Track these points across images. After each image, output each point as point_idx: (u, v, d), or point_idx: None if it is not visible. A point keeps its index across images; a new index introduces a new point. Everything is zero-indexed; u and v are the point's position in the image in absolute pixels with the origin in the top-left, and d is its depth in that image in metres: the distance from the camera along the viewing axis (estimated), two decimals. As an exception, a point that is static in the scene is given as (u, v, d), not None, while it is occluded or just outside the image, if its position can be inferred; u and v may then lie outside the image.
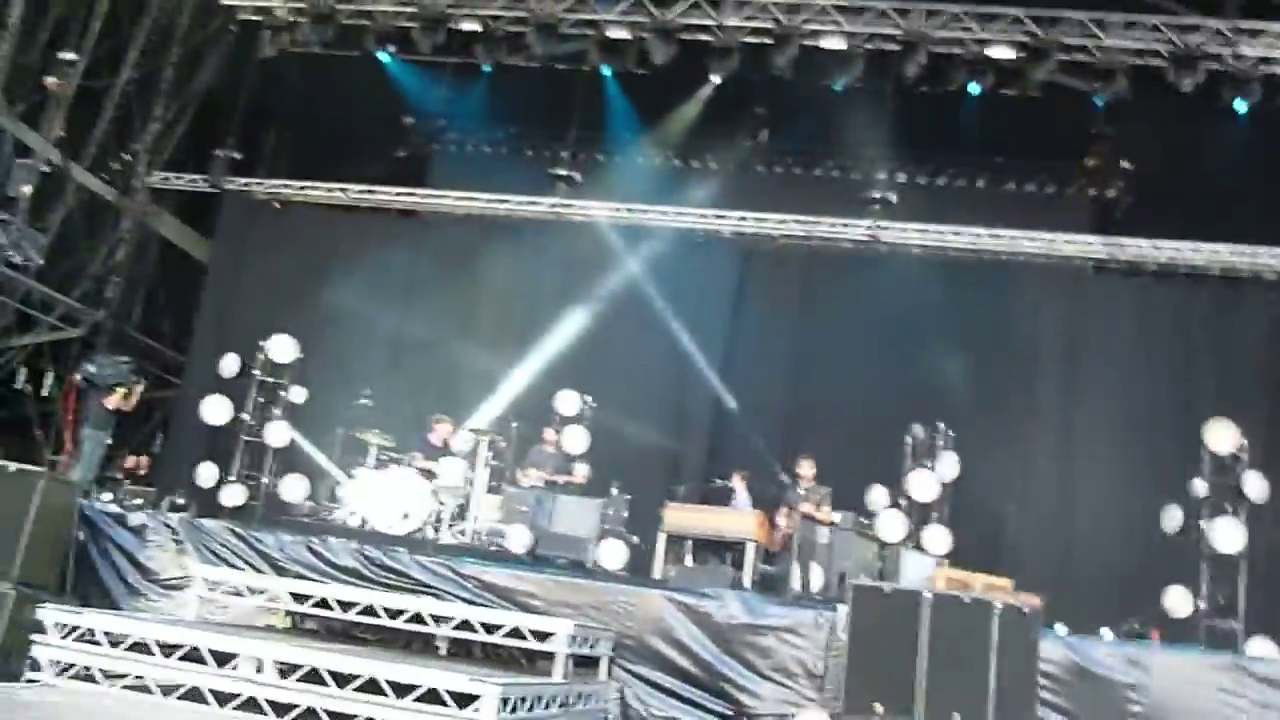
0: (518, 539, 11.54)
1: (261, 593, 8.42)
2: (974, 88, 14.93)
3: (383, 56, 16.49)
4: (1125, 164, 16.32)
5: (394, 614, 7.75)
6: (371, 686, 6.29)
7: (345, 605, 7.91)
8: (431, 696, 6.22)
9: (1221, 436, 11.55)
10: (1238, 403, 14.01)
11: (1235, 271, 15.62)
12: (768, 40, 15.17)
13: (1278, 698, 7.89)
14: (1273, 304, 15.59)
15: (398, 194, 17.54)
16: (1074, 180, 16.59)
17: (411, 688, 6.20)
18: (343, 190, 17.57)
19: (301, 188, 17.75)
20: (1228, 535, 11.16)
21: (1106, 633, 10.76)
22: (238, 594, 8.51)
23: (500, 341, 15.74)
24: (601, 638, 8.21)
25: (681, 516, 11.99)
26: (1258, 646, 10.56)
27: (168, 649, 6.74)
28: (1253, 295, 15.60)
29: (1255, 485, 11.34)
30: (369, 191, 17.58)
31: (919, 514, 12.29)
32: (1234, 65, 14.56)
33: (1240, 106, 14.73)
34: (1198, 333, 15.44)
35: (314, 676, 6.39)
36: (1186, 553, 11.52)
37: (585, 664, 8.30)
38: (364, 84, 16.83)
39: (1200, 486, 11.46)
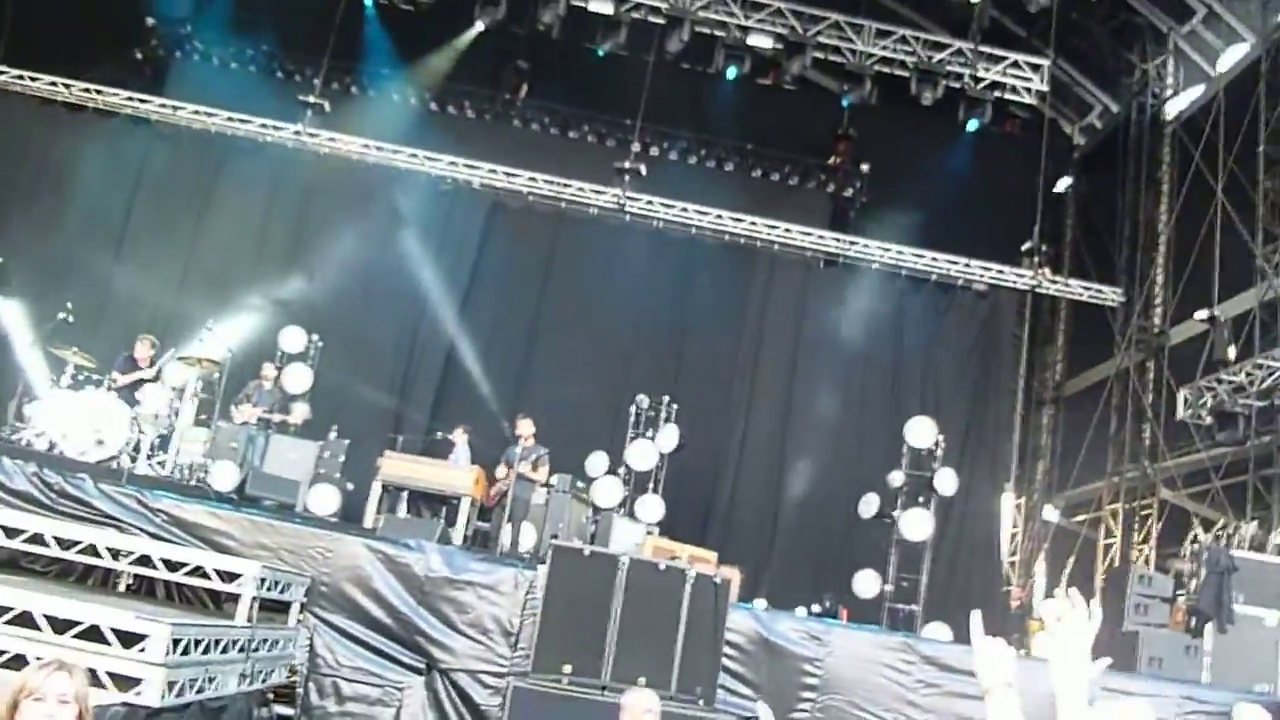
0: (224, 476, 11.00)
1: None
2: (732, 71, 15.23)
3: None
4: (864, 166, 17.07)
5: (67, 545, 7.14)
6: (28, 622, 5.79)
7: (10, 533, 7.22)
8: (96, 635, 5.79)
9: (921, 432, 12.28)
10: (940, 402, 15.01)
11: (950, 279, 16.57)
12: (535, -8, 14.99)
13: (941, 677, 8.44)
14: (980, 313, 16.66)
15: (131, 98, 16.17)
16: (815, 175, 17.24)
17: (72, 624, 5.74)
18: (67, 86, 16.14)
19: (20, 75, 16.18)
20: (917, 525, 11.87)
21: (801, 610, 11.23)
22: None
23: (226, 268, 14.95)
24: (294, 582, 7.89)
25: (399, 467, 11.76)
26: (933, 630, 11.28)
27: None
28: (963, 302, 16.61)
29: (946, 480, 12.12)
30: (99, 91, 16.18)
31: (636, 482, 12.47)
32: (971, 86, 15.44)
33: (971, 125, 15.65)
34: (911, 332, 16.35)
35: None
36: (880, 539, 12.20)
37: (276, 609, 7.98)
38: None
39: (897, 478, 12.14)
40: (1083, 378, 19.23)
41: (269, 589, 7.36)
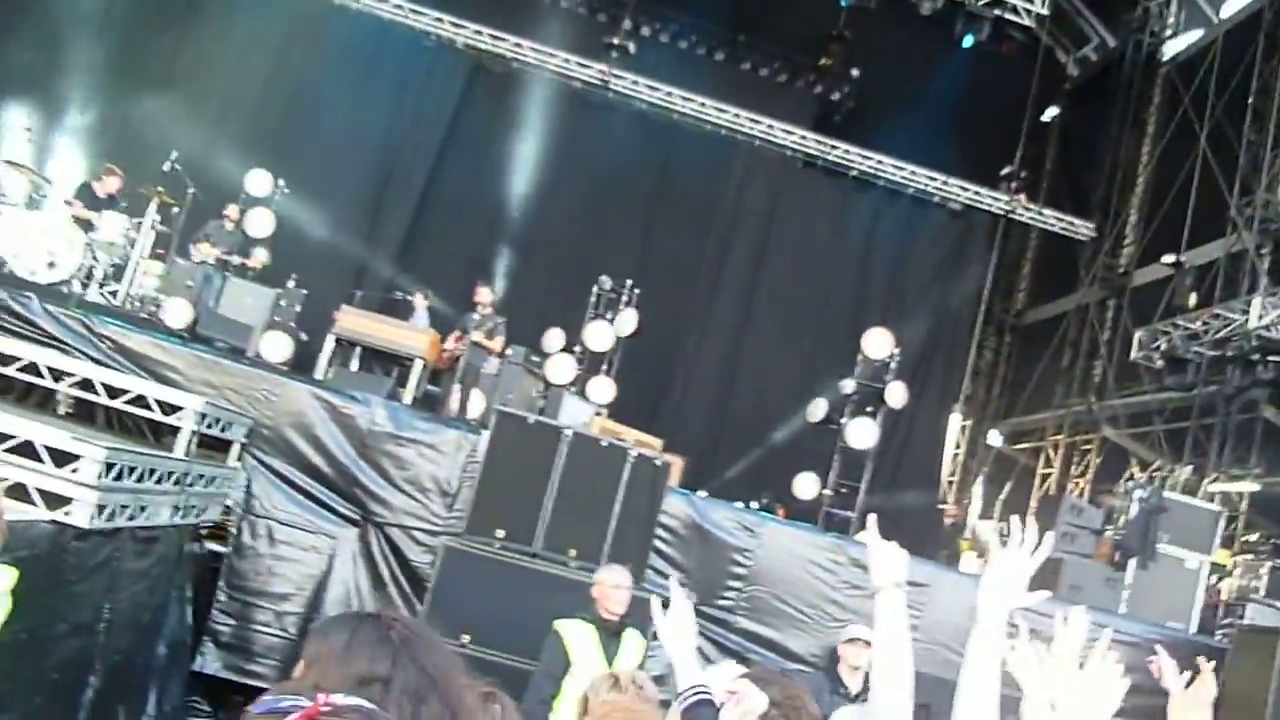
0: (177, 313, 10.84)
1: None
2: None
3: None
4: (854, 70, 16.85)
5: (6, 361, 7.06)
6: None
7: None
8: (30, 453, 5.75)
9: (877, 343, 12.31)
10: (901, 316, 15.05)
11: (926, 195, 16.53)
12: None
13: (867, 580, 8.59)
14: (950, 234, 16.68)
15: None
16: (804, 75, 17.00)
17: (5, 437, 5.70)
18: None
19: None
20: (862, 433, 11.97)
21: (739, 505, 11.35)
22: None
23: (199, 103, 14.57)
24: (236, 422, 7.87)
25: (355, 322, 11.65)
26: (865, 536, 11.45)
27: None
28: (936, 220, 16.61)
29: (896, 393, 12.21)
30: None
31: (590, 362, 12.46)
32: (971, 1, 15.20)
33: (968, 41, 15.44)
34: (881, 244, 16.35)
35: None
36: (824, 444, 12.31)
37: (215, 447, 7.97)
38: None
39: (848, 385, 12.20)
40: (1043, 308, 19.36)
41: (210, 425, 7.34)
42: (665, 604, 2.99)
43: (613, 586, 5.67)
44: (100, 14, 15.15)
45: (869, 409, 12.06)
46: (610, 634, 5.61)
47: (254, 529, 7.97)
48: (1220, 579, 12.20)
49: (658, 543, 8.07)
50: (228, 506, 7.98)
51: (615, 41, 15.26)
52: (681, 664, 2.81)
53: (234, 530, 7.96)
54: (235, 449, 7.99)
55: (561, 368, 11.87)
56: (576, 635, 5.53)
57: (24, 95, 13.51)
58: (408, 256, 14.98)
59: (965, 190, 16.45)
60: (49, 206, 11.16)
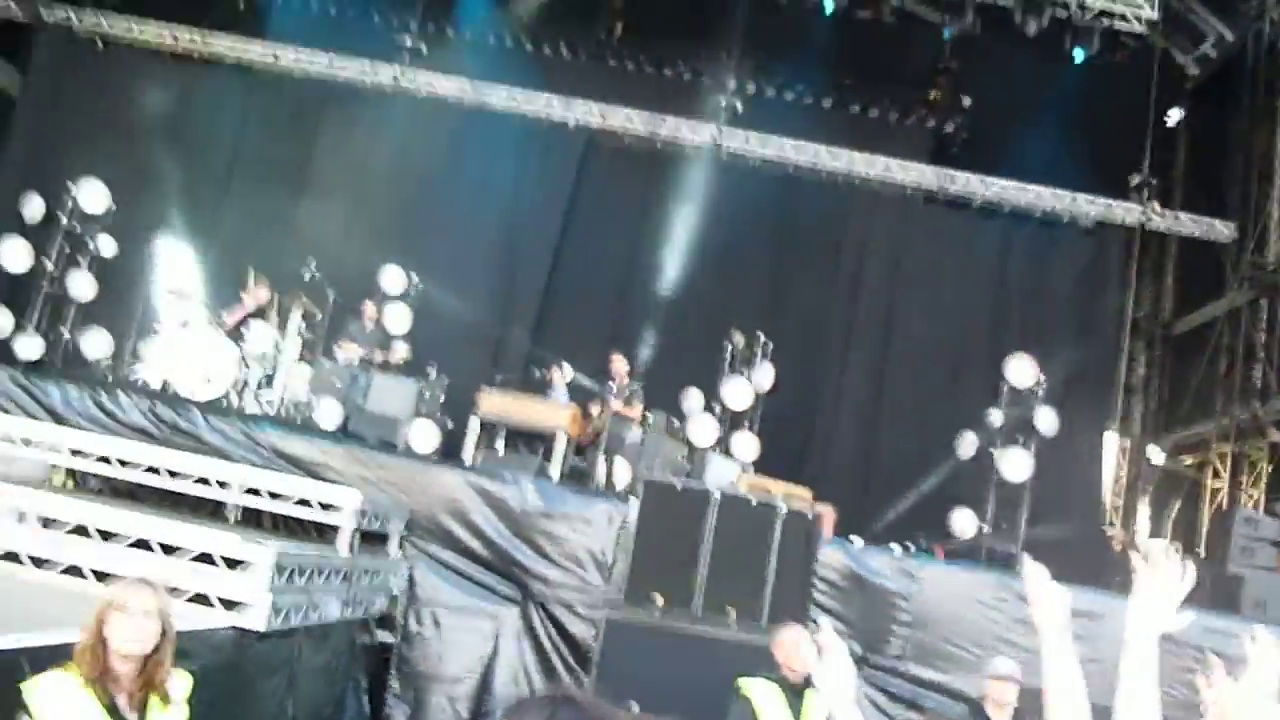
0: (328, 413, 11.28)
1: (32, 444, 7.96)
2: (829, 5, 14.96)
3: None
4: (966, 99, 16.67)
5: (176, 474, 7.45)
6: (143, 548, 6.07)
7: (125, 463, 7.54)
8: (206, 560, 6.04)
9: (1021, 371, 12.07)
10: (1043, 340, 14.67)
11: (1055, 216, 16.18)
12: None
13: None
14: (1086, 251, 16.27)
15: (234, 43, 16.53)
16: (915, 110, 16.87)
17: (183, 549, 6.00)
18: (174, 35, 16.53)
19: (128, 27, 16.60)
20: (1016, 465, 11.69)
21: (896, 548, 11.18)
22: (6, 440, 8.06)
23: (327, 209, 15.21)
24: (394, 514, 8.13)
25: (497, 403, 11.90)
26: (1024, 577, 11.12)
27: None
28: (1069, 238, 16.23)
29: (1047, 419, 11.91)
30: (202, 39, 16.55)
31: (731, 420, 12.47)
32: (1077, 14, 14.95)
33: (1078, 55, 15.17)
34: (1014, 270, 16.02)
35: (83, 534, 6.14)
36: (978, 478, 12.05)
37: (376, 540, 8.23)
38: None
39: (996, 416, 11.96)
40: (1192, 316, 18.65)
41: (370, 520, 7.59)
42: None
43: (793, 644, 5.66)
44: (234, 131, 16.02)
45: (1020, 439, 11.79)
46: (794, 692, 5.59)
47: (420, 616, 8.20)
48: None
49: (817, 595, 8.02)
50: (393, 596, 8.22)
51: (723, 102, 15.43)
52: (842, 712, 2.77)
53: (401, 619, 8.19)
54: (395, 540, 8.24)
55: (703, 429, 11.91)
56: (762, 694, 5.53)
57: (173, 223, 14.28)
58: (541, 333, 15.26)
59: (1095, 204, 16.05)
60: (201, 325, 11.75)
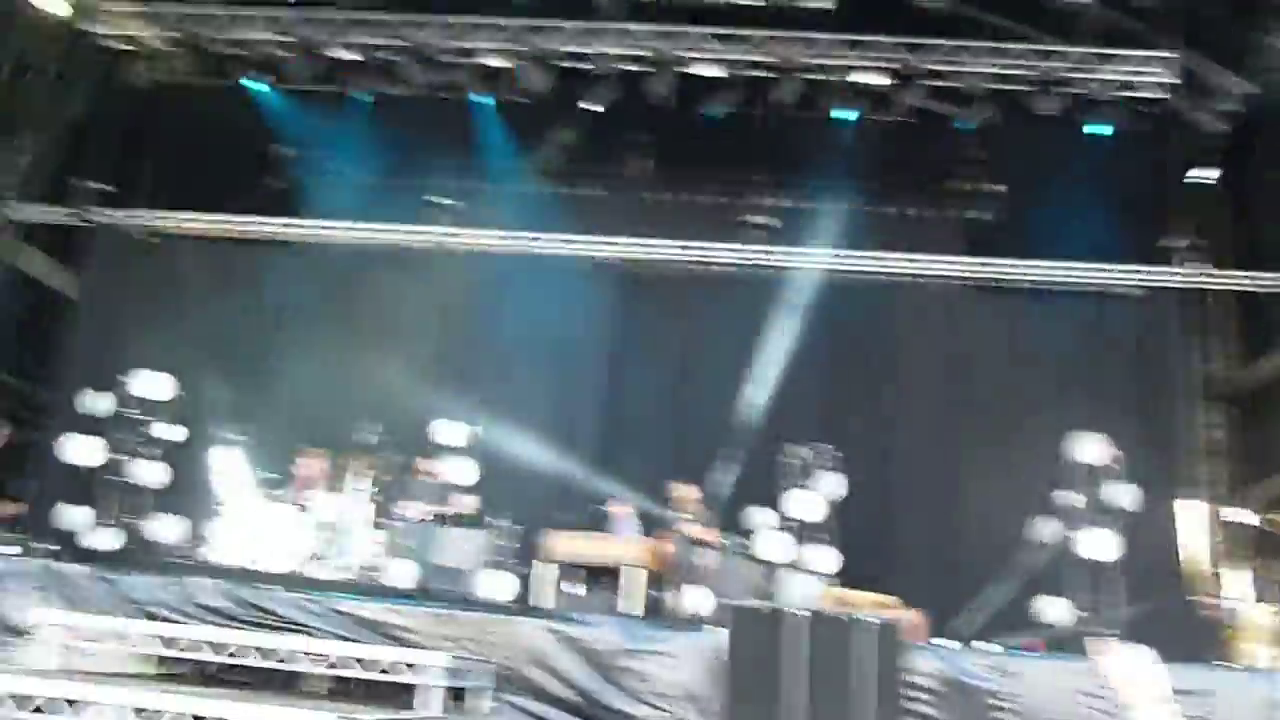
0: (402, 573, 11.31)
1: (123, 637, 8.05)
2: (847, 114, 15.23)
3: (256, 86, 16.24)
4: (995, 186, 16.78)
5: (263, 654, 7.47)
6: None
7: (211, 646, 7.59)
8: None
9: (1092, 450, 11.89)
10: (1109, 414, 14.45)
11: (1103, 288, 16.11)
12: (646, 68, 15.30)
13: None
14: (1138, 321, 16.15)
15: (282, 225, 17.04)
16: (946, 202, 17.00)
17: (276, 730, 5.98)
18: (225, 222, 17.05)
19: (179, 221, 17.16)
20: (1099, 544, 11.44)
21: (992, 646, 10.89)
22: (96, 640, 8.13)
23: (378, 371, 15.42)
24: (481, 670, 8.06)
25: (568, 544, 11.85)
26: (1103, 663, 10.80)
27: (21, 700, 6.41)
28: (1123, 310, 16.13)
29: (1123, 494, 11.67)
30: (251, 223, 17.07)
31: (805, 534, 12.33)
32: (1094, 90, 15.10)
33: (1101, 129, 15.28)
34: (1072, 348, 15.91)
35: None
36: (1063, 563, 11.78)
37: (465, 697, 8.14)
38: (237, 114, 16.60)
39: (1072, 497, 11.75)
40: (1260, 368, 18.34)
41: (457, 678, 7.53)
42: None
43: None
44: (276, 308, 16.43)
45: (1098, 518, 11.57)
46: None
47: (516, 772, 8.04)
48: None
49: (917, 705, 7.79)
50: (488, 756, 8.09)
51: (756, 220, 15.66)
52: None
53: (498, 781, 8.04)
54: (485, 696, 8.14)
55: (778, 546, 11.80)
56: None
57: (230, 402, 14.56)
58: (603, 469, 15.22)
59: (1141, 273, 15.97)
60: (264, 501, 11.89)
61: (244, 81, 16.45)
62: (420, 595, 10.55)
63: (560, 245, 16.35)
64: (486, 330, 15.82)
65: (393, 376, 15.30)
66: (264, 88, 16.60)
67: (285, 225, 17.03)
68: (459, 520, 12.41)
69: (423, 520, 12.16)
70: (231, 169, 17.18)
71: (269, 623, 8.62)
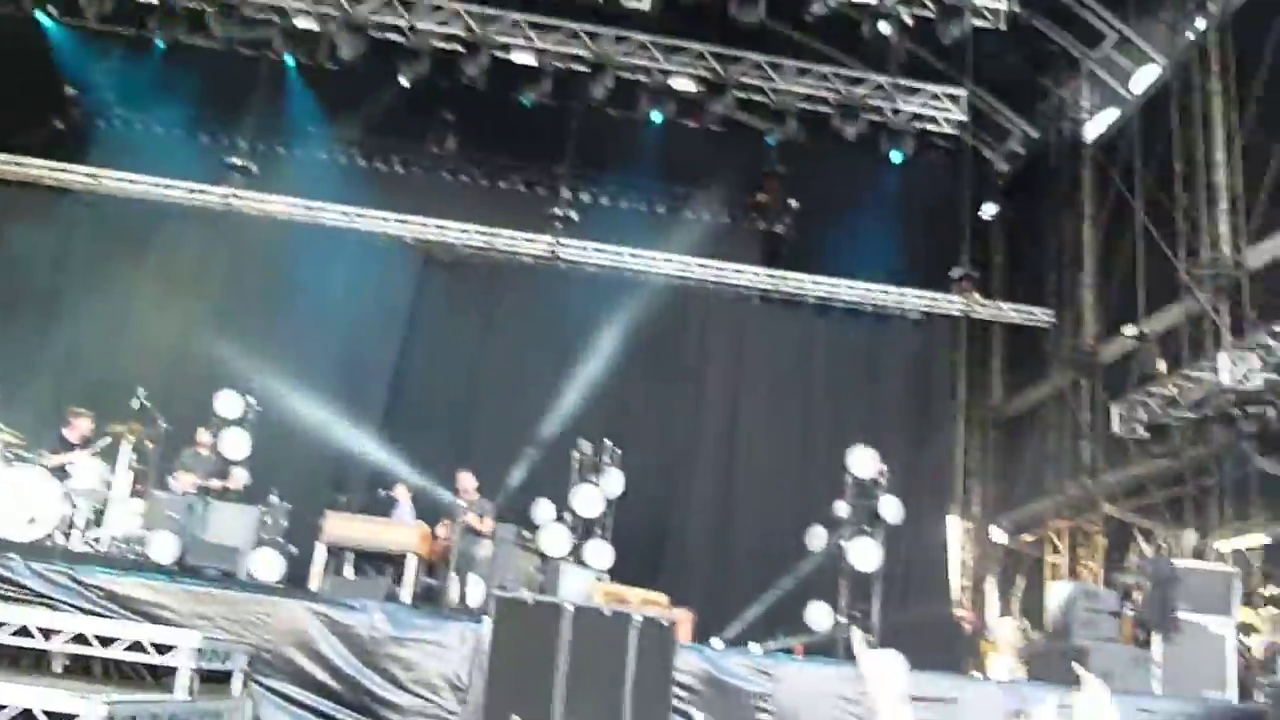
0: (163, 547, 10.74)
1: None
2: (657, 115, 15.39)
3: (43, 19, 15.24)
4: (793, 202, 17.28)
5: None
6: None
7: (-61, 617, 7.02)
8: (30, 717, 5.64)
9: (863, 462, 12.32)
10: (882, 430, 15.09)
11: (885, 309, 16.79)
12: (459, 48, 15.08)
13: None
14: (915, 342, 16.90)
15: (56, 168, 16.04)
16: (745, 213, 17.44)
17: (2, 707, 5.59)
18: (7, 162, 15.90)
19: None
20: (865, 554, 11.87)
21: (754, 648, 11.15)
22: None
23: (157, 334, 14.71)
24: (235, 651, 7.74)
25: (342, 527, 11.57)
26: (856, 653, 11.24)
27: None
28: (899, 331, 16.84)
29: (891, 508, 12.15)
30: (34, 165, 16.01)
31: (583, 529, 12.37)
32: (891, 118, 15.71)
33: (895, 156, 15.91)
34: (849, 363, 16.53)
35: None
36: (829, 570, 12.18)
37: (217, 679, 7.82)
38: (26, 47, 15.54)
39: (842, 508, 12.16)
40: (1020, 399, 19.50)
41: (209, 659, 7.22)
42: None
43: None
44: (55, 257, 15.45)
45: (866, 528, 11.99)
46: None
47: (267, 758, 7.77)
48: (1248, 637, 12.03)
49: (677, 702, 7.91)
50: (236, 740, 7.79)
51: (557, 212, 15.63)
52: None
53: (248, 762, 7.75)
54: (237, 678, 7.83)
55: (555, 539, 11.79)
56: None
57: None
58: (386, 452, 14.92)
59: (920, 298, 16.74)
60: (20, 464, 11.12)
61: (36, 13, 15.36)
62: (180, 571, 10.08)
63: (357, 219, 15.93)
64: (276, 299, 15.25)
65: (175, 340, 14.62)
66: (54, 23, 15.55)
67: (66, 170, 16.03)
68: (230, 495, 11.91)
69: (188, 493, 11.61)
70: (18, 106, 16.02)
71: (9, 594, 8.08)
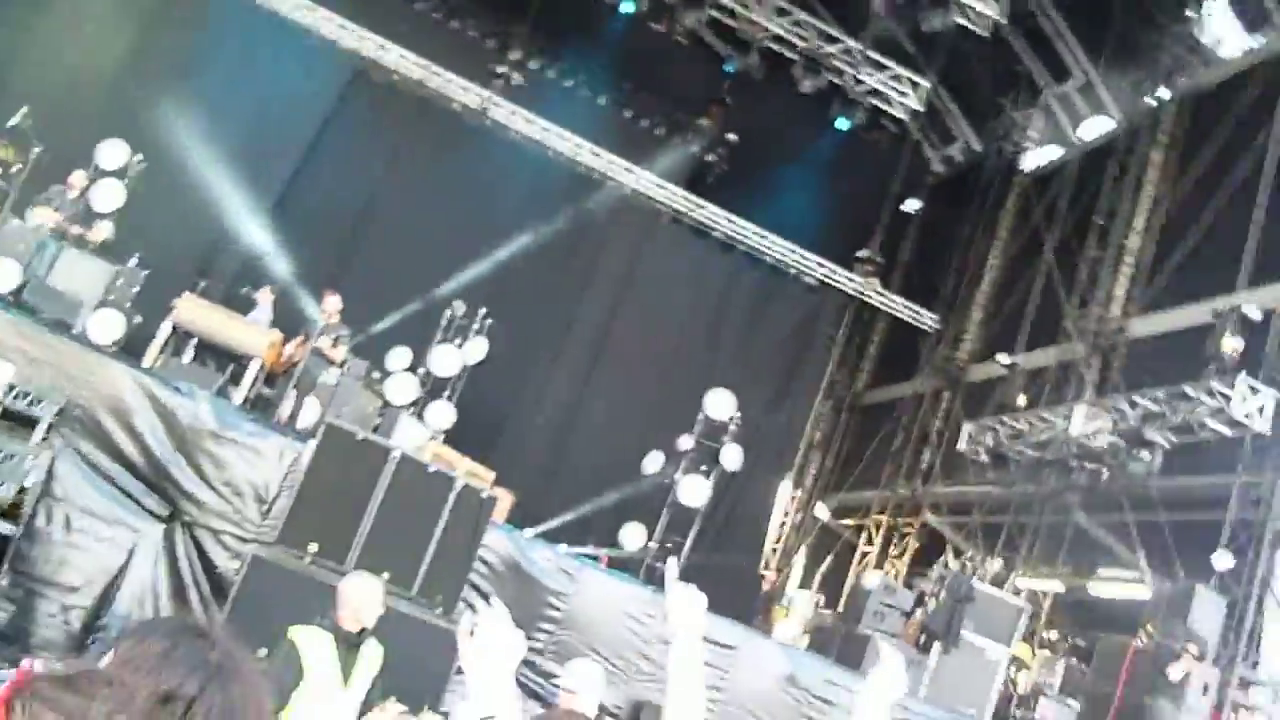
0: (3, 274, 10.26)
1: None
2: (628, 5, 15.07)
3: None
4: (732, 136, 17.18)
5: None
6: None
7: None
8: None
9: (720, 404, 12.44)
10: (746, 380, 15.22)
11: (784, 266, 16.89)
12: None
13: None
14: (804, 307, 17.07)
15: None
16: (683, 131, 17.24)
17: None
18: None
19: None
20: (694, 490, 12.03)
21: (564, 548, 11.25)
22: None
23: (59, 56, 13.88)
24: (48, 397, 7.46)
25: (195, 311, 11.17)
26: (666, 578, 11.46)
27: None
28: (791, 291, 16.99)
29: (732, 455, 12.33)
30: None
31: (433, 386, 12.23)
32: (851, 86, 15.69)
33: (842, 123, 15.92)
34: (735, 307, 16.63)
35: None
36: (656, 497, 12.32)
37: (22, 423, 7.53)
38: None
39: (686, 442, 12.28)
40: (882, 391, 19.94)
41: (17, 397, 6.96)
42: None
43: (362, 597, 5.25)
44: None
45: (703, 468, 12.14)
46: (350, 646, 5.23)
47: (50, 513, 7.52)
48: (1018, 671, 12.64)
49: (474, 576, 7.94)
50: (24, 486, 7.52)
51: (501, 70, 15.23)
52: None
53: (28, 512, 7.50)
54: (43, 426, 7.56)
55: (402, 387, 11.63)
56: (309, 641, 5.09)
57: None
58: (258, 251, 14.47)
59: (822, 266, 16.89)
60: None
61: None
62: (14, 305, 9.63)
63: (298, 9, 15.19)
64: (195, 61, 14.49)
65: (76, 68, 13.82)
66: None
67: None
68: (87, 245, 11.39)
69: (48, 229, 11.05)
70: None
71: None
